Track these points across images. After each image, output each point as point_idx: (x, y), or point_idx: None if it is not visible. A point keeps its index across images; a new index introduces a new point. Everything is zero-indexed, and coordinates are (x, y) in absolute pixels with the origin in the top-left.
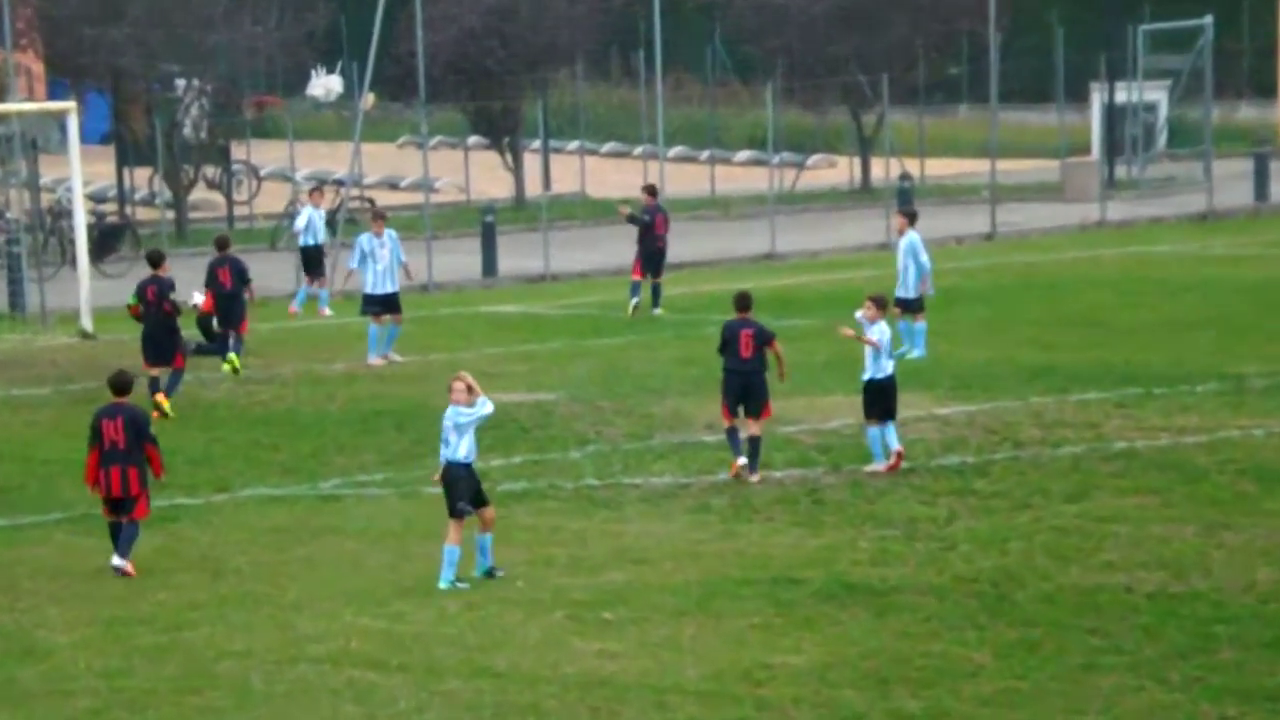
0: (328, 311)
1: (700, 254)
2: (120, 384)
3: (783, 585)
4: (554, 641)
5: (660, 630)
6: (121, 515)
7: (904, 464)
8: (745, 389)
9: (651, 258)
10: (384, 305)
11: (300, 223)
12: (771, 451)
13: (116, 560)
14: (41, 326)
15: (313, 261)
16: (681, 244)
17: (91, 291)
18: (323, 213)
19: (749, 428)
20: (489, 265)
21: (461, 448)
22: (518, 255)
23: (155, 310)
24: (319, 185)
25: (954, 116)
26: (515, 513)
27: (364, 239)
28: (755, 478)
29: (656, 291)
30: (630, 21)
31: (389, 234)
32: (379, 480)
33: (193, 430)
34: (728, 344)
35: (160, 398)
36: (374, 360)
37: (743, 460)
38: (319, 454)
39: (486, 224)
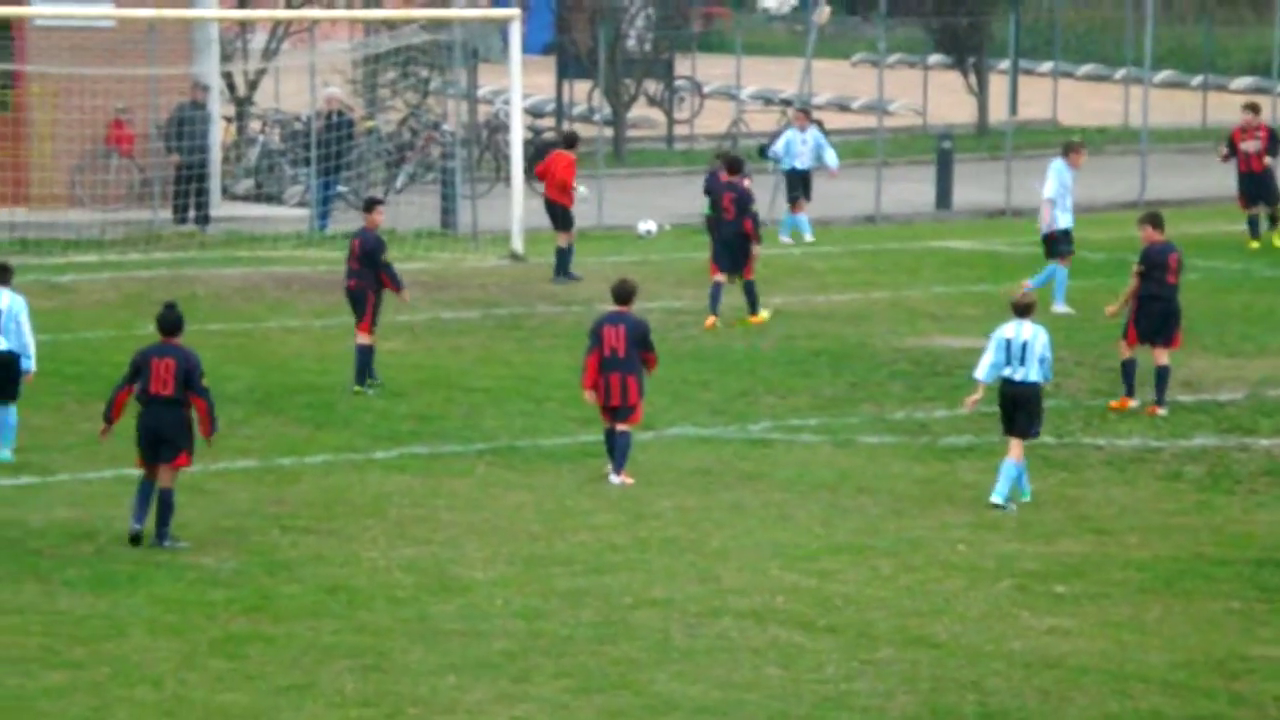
0: (809, 237)
1: (1188, 192)
2: (623, 292)
3: (1267, 567)
4: (999, 613)
5: (1121, 609)
6: (616, 422)
7: None
8: (1165, 316)
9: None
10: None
11: (778, 146)
12: (1258, 418)
13: (614, 478)
14: (472, 246)
15: (796, 187)
16: (1165, 180)
17: (525, 211)
18: (809, 133)
19: (1158, 358)
20: (943, 196)
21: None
22: (976, 186)
23: (735, 219)
24: (803, 107)
25: None
26: (959, 469)
27: (1062, 168)
28: (1162, 411)
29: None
30: None
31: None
32: (812, 425)
33: None
34: (1154, 269)
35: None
36: (1061, 308)
37: (1136, 402)
38: (749, 394)
39: (943, 151)
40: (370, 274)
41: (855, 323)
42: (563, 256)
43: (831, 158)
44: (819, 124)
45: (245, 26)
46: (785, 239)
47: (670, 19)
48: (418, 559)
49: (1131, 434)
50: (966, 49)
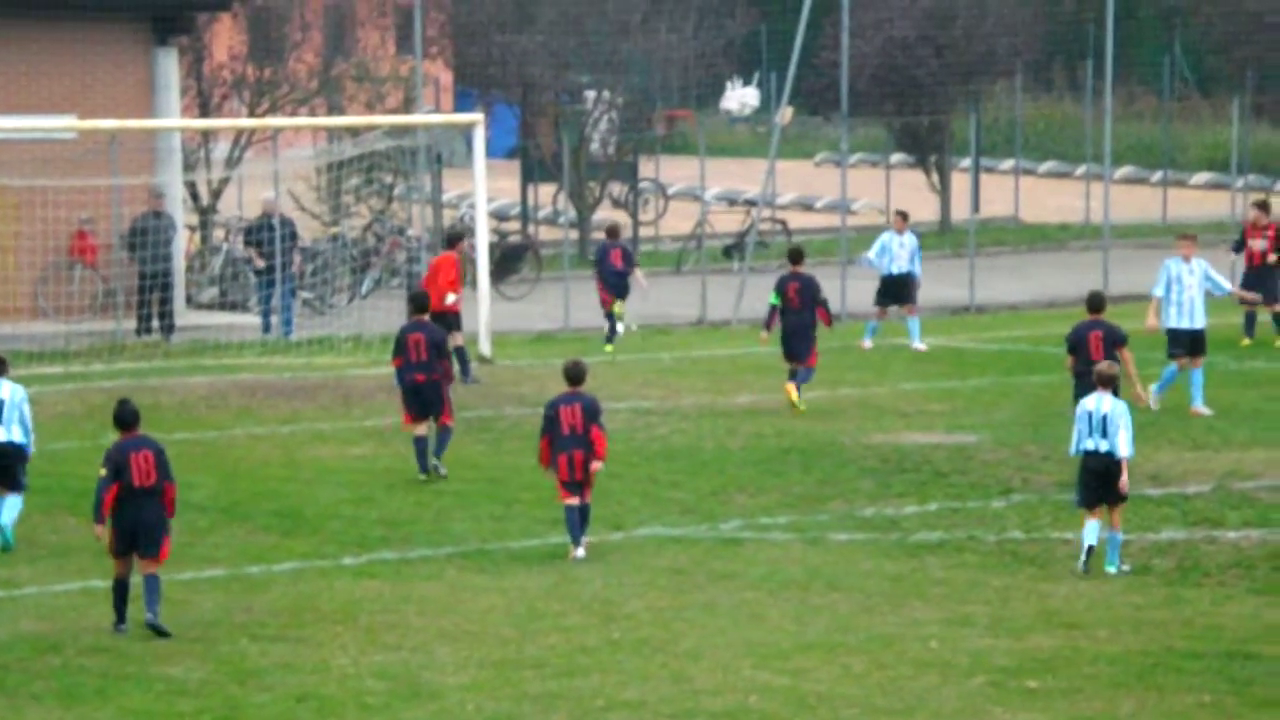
0: (919, 346)
1: (1148, 286)
2: (577, 373)
3: (1237, 660)
4: (972, 710)
5: (1093, 704)
6: (575, 497)
7: None
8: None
9: None
10: (1189, 345)
11: (873, 251)
12: (1225, 510)
13: (579, 552)
14: None
15: (890, 292)
16: (1126, 274)
17: (491, 314)
18: (907, 236)
19: None
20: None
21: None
22: (941, 284)
23: (801, 309)
24: (901, 211)
25: None
26: (929, 565)
27: (1172, 264)
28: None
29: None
30: (1078, 29)
31: (1197, 263)
32: (782, 524)
33: None
34: (1077, 346)
35: (790, 388)
36: (1155, 401)
37: None
38: (720, 493)
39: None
40: (438, 365)
41: (824, 420)
42: (463, 355)
43: (918, 268)
44: (783, 224)
45: (208, 136)
46: (868, 344)
47: (633, 122)
48: (388, 665)
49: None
50: (928, 148)
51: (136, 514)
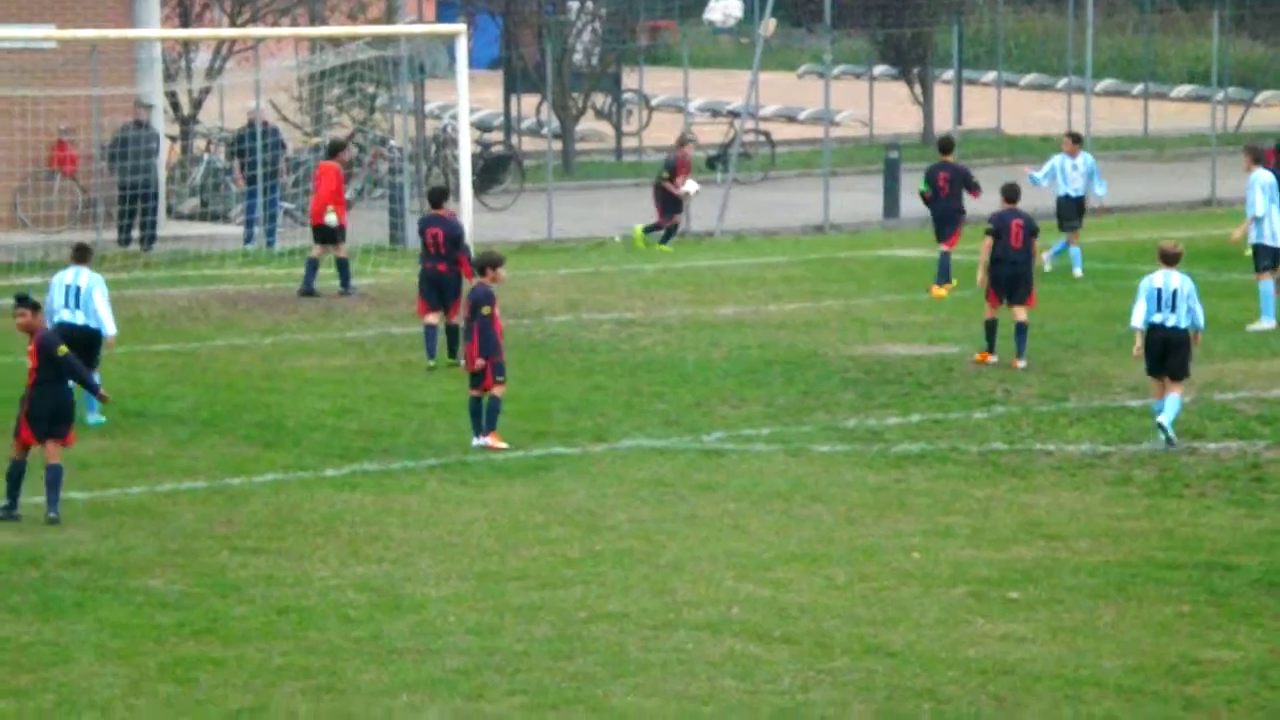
0: (1078, 272)
1: (1130, 198)
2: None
3: (1216, 571)
4: (954, 621)
5: (1074, 615)
6: (475, 388)
7: None
8: (1013, 278)
9: None
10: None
11: (1042, 172)
12: (1206, 421)
13: (477, 440)
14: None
15: (1069, 214)
16: (1109, 187)
17: (474, 225)
18: (1080, 159)
19: (1016, 315)
20: (891, 205)
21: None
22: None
23: (950, 196)
24: (1073, 134)
25: None
26: (912, 477)
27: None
28: (1021, 364)
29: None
30: None
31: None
32: (765, 435)
33: (571, 376)
34: (1000, 233)
35: (936, 289)
36: (1268, 323)
37: (995, 359)
38: (702, 404)
39: (890, 160)
40: (453, 259)
41: (807, 331)
42: (344, 267)
43: (1101, 187)
44: (766, 135)
45: (189, 45)
46: (1078, 272)
47: (617, 33)
48: (370, 577)
49: (1081, 439)
50: (911, 60)
51: (40, 399)
